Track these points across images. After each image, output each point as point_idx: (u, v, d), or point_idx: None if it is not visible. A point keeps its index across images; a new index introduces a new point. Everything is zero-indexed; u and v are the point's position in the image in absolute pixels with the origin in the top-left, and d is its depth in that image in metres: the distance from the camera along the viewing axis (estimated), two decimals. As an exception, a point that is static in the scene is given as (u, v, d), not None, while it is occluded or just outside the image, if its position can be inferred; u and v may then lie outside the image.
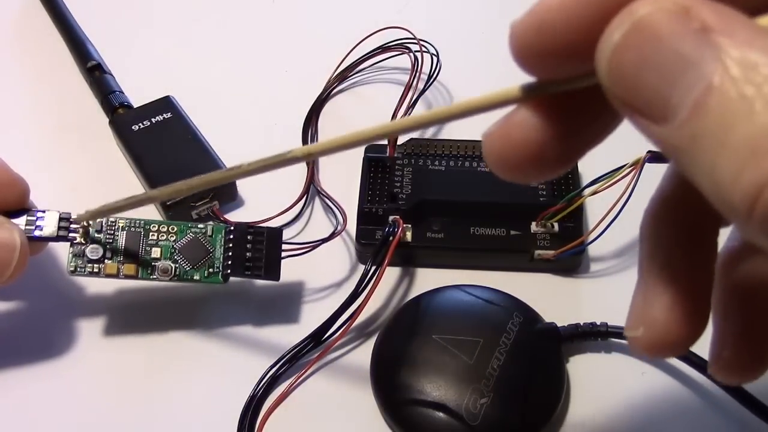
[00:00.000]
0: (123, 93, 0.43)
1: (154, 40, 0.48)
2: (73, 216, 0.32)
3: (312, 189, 0.39)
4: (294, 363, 0.32)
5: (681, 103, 0.14)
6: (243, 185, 0.39)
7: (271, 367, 0.32)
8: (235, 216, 0.37)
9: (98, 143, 0.41)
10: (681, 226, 0.18)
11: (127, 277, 0.32)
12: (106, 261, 0.32)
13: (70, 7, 0.48)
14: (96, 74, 0.44)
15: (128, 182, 0.40)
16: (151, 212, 0.37)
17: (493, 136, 0.18)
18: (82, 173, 0.40)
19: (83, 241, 0.32)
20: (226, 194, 0.38)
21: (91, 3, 0.49)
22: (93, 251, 0.32)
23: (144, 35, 0.49)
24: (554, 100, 0.17)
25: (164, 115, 0.41)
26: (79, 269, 0.32)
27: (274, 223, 0.37)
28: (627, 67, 0.14)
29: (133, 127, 0.40)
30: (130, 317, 0.35)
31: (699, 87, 0.13)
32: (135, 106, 0.42)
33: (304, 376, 0.32)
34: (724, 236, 0.19)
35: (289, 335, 0.33)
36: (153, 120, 0.40)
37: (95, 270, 0.32)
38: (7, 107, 0.44)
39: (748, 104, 0.12)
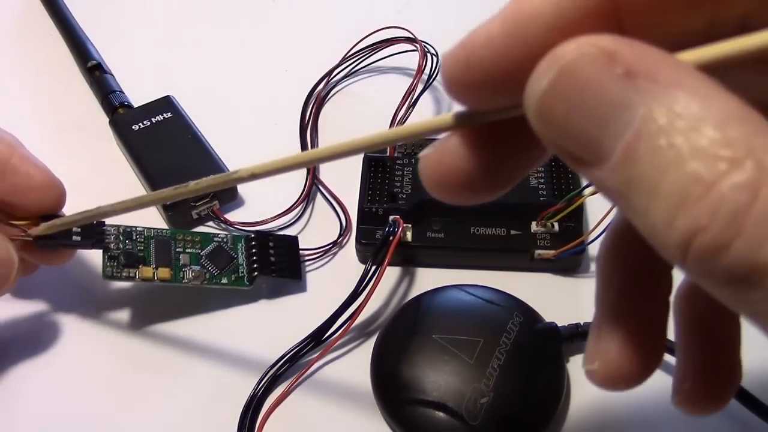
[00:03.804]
0: (123, 93, 0.43)
1: (154, 39, 0.48)
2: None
3: (314, 190, 0.39)
4: (294, 363, 0.32)
5: (612, 147, 0.13)
6: (243, 185, 0.39)
7: (272, 366, 0.32)
8: (235, 216, 0.38)
9: (98, 143, 0.41)
10: (634, 260, 0.18)
11: (161, 281, 0.33)
12: (140, 266, 0.32)
13: (71, 7, 0.48)
14: (96, 74, 0.44)
15: (128, 182, 0.40)
16: (152, 212, 0.38)
17: (428, 159, 0.18)
18: (83, 173, 0.40)
19: (117, 248, 0.32)
20: (227, 194, 0.38)
21: (92, 3, 0.49)
22: (128, 256, 0.32)
23: (144, 35, 0.49)
24: (484, 129, 0.17)
25: (164, 115, 0.41)
26: (115, 274, 0.32)
27: (275, 223, 0.37)
28: (556, 113, 0.14)
29: (133, 127, 0.40)
30: (130, 316, 0.34)
31: (628, 133, 0.13)
32: (135, 106, 0.42)
33: (304, 375, 0.32)
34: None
35: (289, 335, 0.33)
36: (153, 120, 0.40)
37: (131, 275, 0.32)
38: (7, 107, 0.44)
39: (676, 152, 0.12)
